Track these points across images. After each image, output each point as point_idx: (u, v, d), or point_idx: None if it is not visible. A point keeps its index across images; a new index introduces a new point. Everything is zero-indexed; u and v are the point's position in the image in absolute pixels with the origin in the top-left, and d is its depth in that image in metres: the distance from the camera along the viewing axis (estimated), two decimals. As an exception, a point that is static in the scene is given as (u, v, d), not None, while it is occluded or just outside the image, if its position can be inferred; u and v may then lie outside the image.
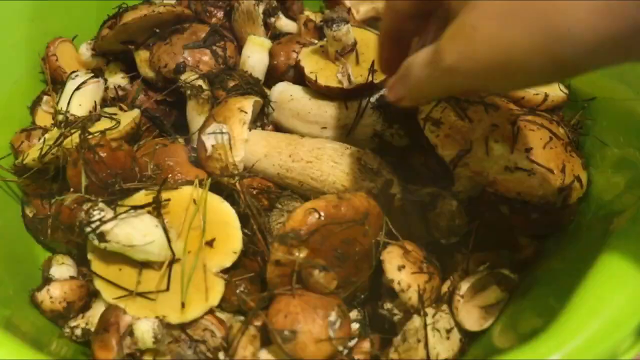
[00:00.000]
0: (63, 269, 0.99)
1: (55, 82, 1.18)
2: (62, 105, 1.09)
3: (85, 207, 0.87)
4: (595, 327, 0.65)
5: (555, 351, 0.64)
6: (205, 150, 0.99)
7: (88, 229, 0.86)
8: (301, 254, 0.88)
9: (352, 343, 0.94)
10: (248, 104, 1.00)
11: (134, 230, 0.88)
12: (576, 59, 0.59)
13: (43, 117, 1.17)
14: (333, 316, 0.87)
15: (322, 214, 0.88)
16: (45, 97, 1.19)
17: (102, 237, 0.86)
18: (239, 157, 0.98)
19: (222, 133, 0.98)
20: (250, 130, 1.03)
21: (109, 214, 0.88)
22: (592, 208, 0.98)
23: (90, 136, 0.94)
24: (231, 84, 1.08)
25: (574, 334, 0.64)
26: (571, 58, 0.59)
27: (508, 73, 0.63)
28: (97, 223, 0.86)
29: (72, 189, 0.94)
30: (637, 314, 0.66)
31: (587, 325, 0.65)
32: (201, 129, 1.02)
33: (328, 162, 0.99)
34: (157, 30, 1.15)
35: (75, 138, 0.95)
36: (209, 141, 1.00)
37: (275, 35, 1.23)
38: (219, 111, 1.01)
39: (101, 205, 0.88)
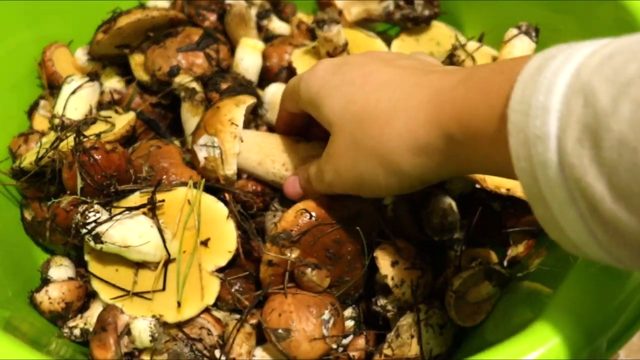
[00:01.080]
0: (61, 270, 1.00)
1: (52, 86, 1.20)
2: (58, 109, 1.10)
3: (80, 209, 0.89)
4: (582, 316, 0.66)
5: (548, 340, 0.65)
6: (198, 162, 1.00)
7: (84, 231, 0.87)
8: (293, 254, 0.89)
9: (347, 340, 0.95)
10: (239, 115, 0.99)
11: (130, 231, 0.89)
12: (412, 183, 0.75)
13: (40, 122, 1.18)
14: (326, 314, 0.88)
15: (313, 214, 0.90)
16: (42, 102, 1.20)
17: (97, 238, 0.87)
18: (231, 171, 0.99)
19: (213, 147, 0.99)
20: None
21: (105, 215, 0.89)
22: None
23: (85, 139, 0.95)
24: (224, 85, 1.09)
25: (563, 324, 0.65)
26: (408, 183, 0.75)
27: (366, 189, 0.80)
28: (93, 224, 0.87)
29: (68, 192, 0.95)
30: (623, 306, 0.67)
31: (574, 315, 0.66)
32: (194, 138, 1.02)
33: None
34: (151, 34, 1.16)
35: (70, 141, 0.96)
36: (201, 153, 1.00)
37: (268, 37, 1.25)
38: (210, 121, 1.00)
39: (96, 207, 0.89)
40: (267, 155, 1.00)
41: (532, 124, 0.53)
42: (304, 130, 1.03)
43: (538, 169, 0.54)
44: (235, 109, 1.00)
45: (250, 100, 1.04)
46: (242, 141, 0.99)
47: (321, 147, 0.94)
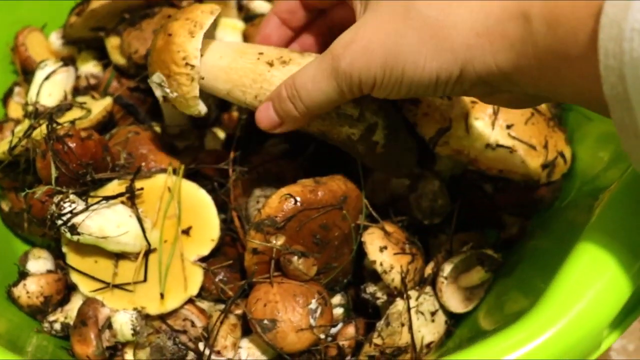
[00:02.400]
0: (40, 262, 0.97)
1: (26, 72, 1.16)
2: (32, 95, 1.06)
3: (55, 199, 0.85)
4: (577, 310, 0.63)
5: (543, 331, 0.62)
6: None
7: (59, 222, 0.84)
8: (278, 241, 0.86)
9: (335, 329, 0.93)
10: (194, 51, 0.84)
11: (107, 222, 0.86)
12: (450, 73, 0.67)
13: (15, 109, 1.14)
14: (314, 304, 0.85)
15: (298, 199, 0.86)
16: (16, 88, 1.17)
17: (73, 229, 0.84)
18: (195, 111, 0.89)
19: (165, 89, 0.87)
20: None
21: (81, 205, 0.86)
22: (576, 184, 0.97)
23: (59, 126, 0.91)
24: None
25: (555, 318, 0.63)
26: (446, 73, 0.67)
27: (395, 74, 0.69)
28: (69, 215, 0.84)
29: (43, 182, 0.92)
30: (619, 297, 0.65)
31: (568, 308, 0.63)
32: (149, 70, 0.91)
33: None
34: (127, 16, 1.11)
35: (44, 129, 0.92)
36: (157, 92, 0.89)
37: (249, 16, 1.21)
38: (162, 57, 0.86)
39: (72, 197, 0.86)
40: (236, 85, 0.85)
41: (632, 17, 0.50)
42: (289, 38, 0.93)
43: (628, 66, 0.51)
44: (190, 43, 0.83)
45: (209, 19, 0.86)
46: (202, 78, 0.86)
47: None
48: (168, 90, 0.86)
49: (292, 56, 0.84)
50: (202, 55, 0.85)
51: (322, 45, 0.87)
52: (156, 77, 0.87)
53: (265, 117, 0.82)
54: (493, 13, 0.62)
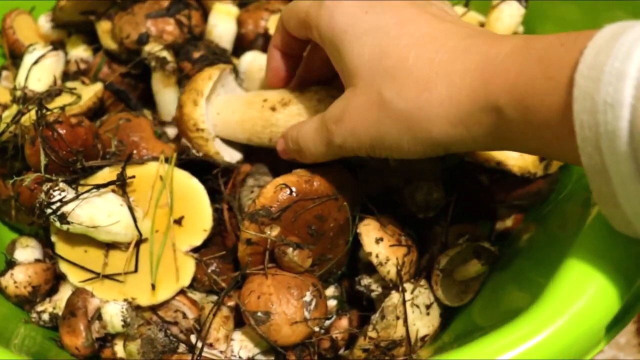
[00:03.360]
0: (27, 251, 0.95)
1: (14, 56, 1.13)
2: (20, 80, 1.03)
3: (44, 187, 0.83)
4: (581, 304, 0.62)
5: (543, 329, 0.61)
6: None
7: (48, 211, 0.82)
8: (273, 232, 0.85)
9: (329, 321, 0.92)
10: (200, 116, 0.96)
11: (98, 210, 0.85)
12: (437, 151, 0.70)
13: (3, 94, 1.11)
14: (308, 296, 0.84)
15: (293, 189, 0.85)
16: (4, 73, 1.14)
17: (63, 218, 0.82)
18: (224, 163, 0.98)
19: (193, 151, 0.98)
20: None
21: (70, 194, 0.84)
22: (573, 177, 0.96)
23: (48, 112, 0.89)
24: (197, 54, 1.04)
25: (560, 312, 0.62)
26: (433, 151, 0.70)
27: (383, 152, 0.74)
28: (58, 204, 0.82)
29: (32, 169, 0.89)
30: (620, 294, 0.64)
31: (573, 303, 0.62)
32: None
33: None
34: (118, 0, 1.09)
35: (33, 115, 0.90)
36: (195, 152, 0.98)
37: (243, 2, 1.18)
38: (181, 128, 0.98)
39: (62, 185, 0.84)
40: (252, 133, 0.94)
41: (604, 90, 0.50)
42: (296, 63, 0.95)
43: (604, 139, 0.51)
44: (195, 111, 0.95)
45: (208, 85, 0.95)
46: (217, 138, 0.97)
47: (316, 100, 0.90)
48: (194, 152, 0.96)
49: (291, 97, 0.92)
50: (218, 114, 0.96)
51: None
52: (183, 142, 0.97)
53: (285, 154, 0.90)
54: (463, 105, 0.63)
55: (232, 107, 0.96)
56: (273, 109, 0.92)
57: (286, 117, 0.91)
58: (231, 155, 0.99)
